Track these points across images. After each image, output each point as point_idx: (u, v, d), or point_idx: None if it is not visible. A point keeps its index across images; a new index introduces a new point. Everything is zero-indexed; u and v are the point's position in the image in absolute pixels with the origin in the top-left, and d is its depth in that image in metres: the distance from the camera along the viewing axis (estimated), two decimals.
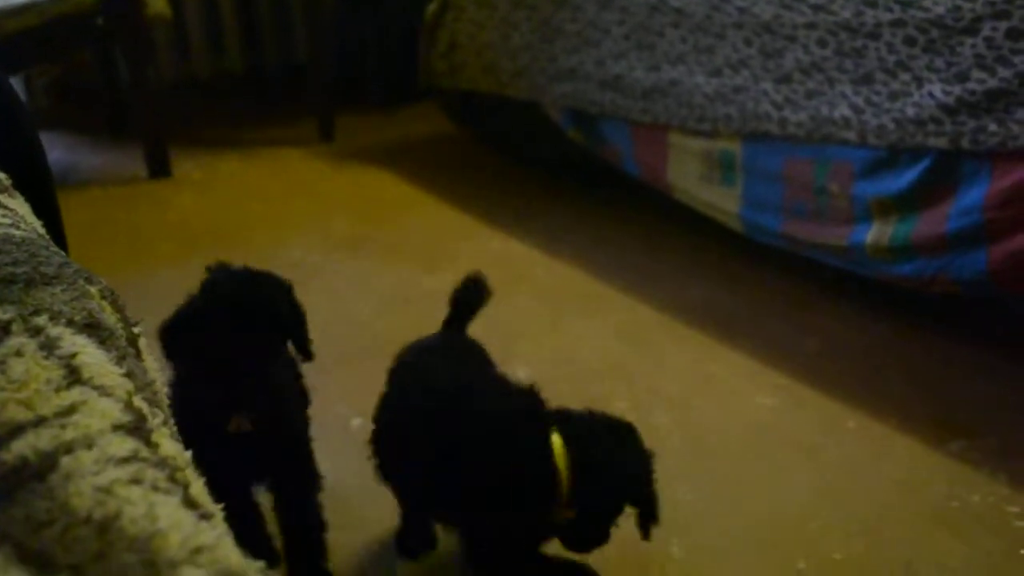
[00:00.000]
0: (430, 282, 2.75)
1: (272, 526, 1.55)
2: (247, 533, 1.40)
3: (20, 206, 1.16)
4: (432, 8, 3.48)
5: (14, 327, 0.76)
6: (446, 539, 1.63)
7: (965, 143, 1.95)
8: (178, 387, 1.43)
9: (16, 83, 3.83)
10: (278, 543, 1.54)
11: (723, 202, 2.54)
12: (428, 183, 3.58)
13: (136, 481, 0.59)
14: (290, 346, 1.49)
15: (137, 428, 0.66)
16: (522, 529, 1.37)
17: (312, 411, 1.67)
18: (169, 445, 0.67)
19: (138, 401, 0.71)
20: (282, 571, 1.53)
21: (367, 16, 4.57)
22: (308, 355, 1.47)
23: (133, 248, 3.04)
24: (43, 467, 0.59)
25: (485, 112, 3.55)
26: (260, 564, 0.55)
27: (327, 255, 2.95)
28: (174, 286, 2.73)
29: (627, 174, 2.94)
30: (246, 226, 3.23)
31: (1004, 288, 2.01)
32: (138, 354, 0.90)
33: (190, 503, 0.60)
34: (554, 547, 1.42)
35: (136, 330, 0.96)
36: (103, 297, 0.92)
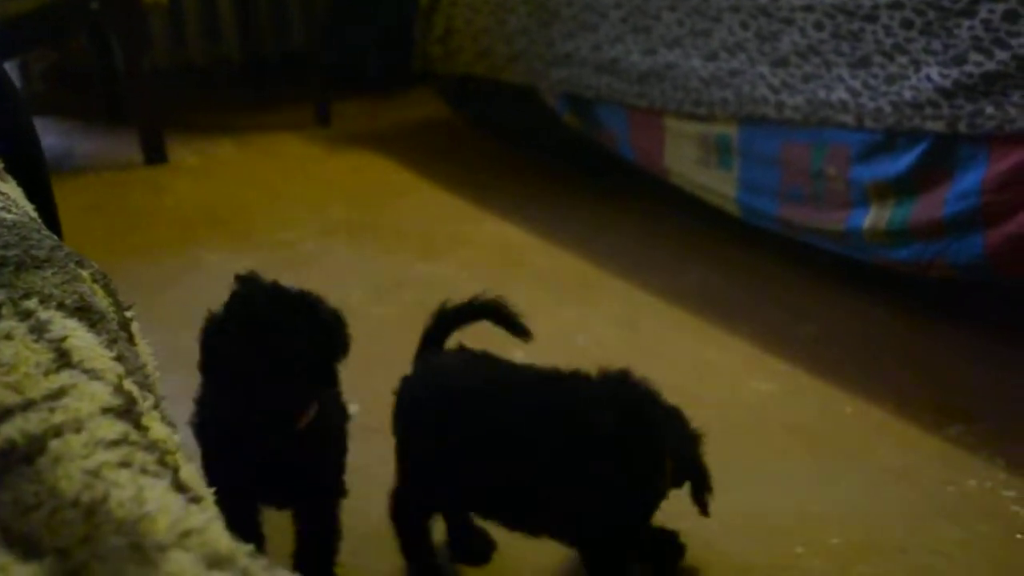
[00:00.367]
0: (426, 268, 2.75)
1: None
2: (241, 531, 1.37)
3: (12, 190, 1.15)
4: None
5: (4, 310, 0.75)
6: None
7: (962, 126, 1.94)
8: (205, 403, 1.40)
9: (12, 69, 3.82)
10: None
11: (720, 186, 2.54)
12: (424, 168, 3.57)
13: (125, 464, 0.58)
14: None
15: (127, 411, 0.65)
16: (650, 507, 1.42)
17: None
18: (159, 428, 0.66)
19: (128, 384, 0.70)
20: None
21: (364, 1, 4.55)
22: (328, 382, 1.38)
23: (129, 233, 3.04)
24: (32, 450, 0.59)
25: (481, 97, 3.53)
26: (250, 547, 0.54)
27: (323, 240, 2.94)
28: (170, 271, 2.76)
29: (623, 159, 2.93)
30: (242, 212, 3.23)
31: (1001, 272, 2.00)
32: (130, 338, 0.90)
33: (180, 486, 0.59)
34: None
35: (129, 314, 0.96)
36: (95, 280, 0.92)
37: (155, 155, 3.69)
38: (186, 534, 0.53)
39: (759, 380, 2.13)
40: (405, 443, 1.49)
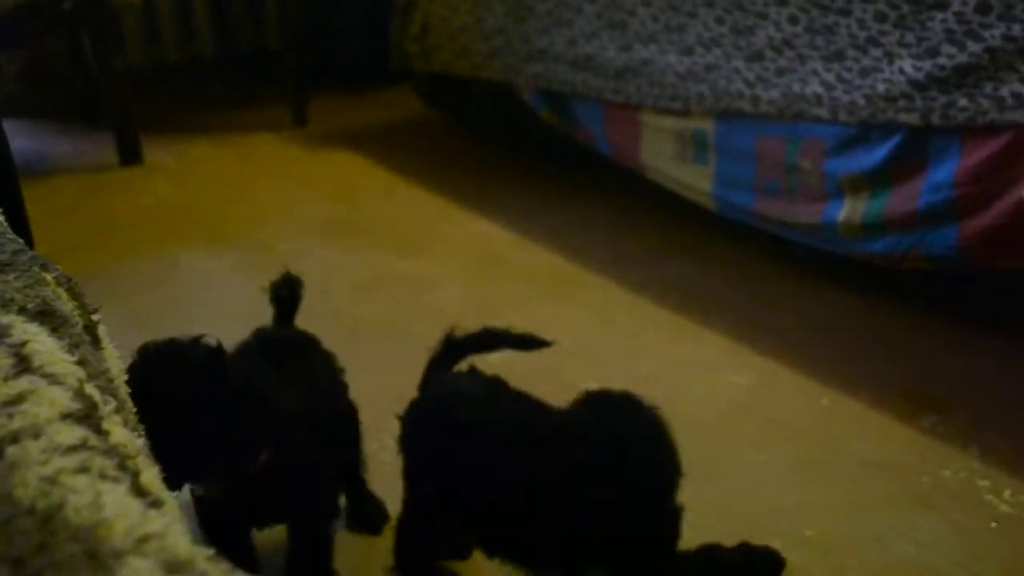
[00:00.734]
0: (405, 266, 2.74)
1: None
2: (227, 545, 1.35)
3: None
4: None
5: None
6: None
7: (935, 119, 1.95)
8: None
9: None
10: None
11: (696, 181, 2.54)
12: (402, 167, 3.56)
13: (83, 470, 0.58)
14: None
15: (87, 416, 0.64)
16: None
17: None
18: (120, 432, 0.66)
19: (90, 389, 0.70)
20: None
21: None
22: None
23: (105, 236, 3.02)
24: None
25: (458, 95, 3.53)
26: (210, 552, 0.54)
27: (301, 240, 2.93)
28: (147, 273, 2.75)
29: (600, 154, 2.93)
30: (219, 212, 3.21)
31: (975, 264, 2.02)
32: (96, 341, 0.89)
33: (139, 491, 0.59)
34: None
35: (95, 317, 0.95)
36: (59, 284, 0.91)
37: (130, 156, 3.67)
38: (144, 539, 0.52)
39: (735, 373, 2.13)
40: (409, 472, 1.45)
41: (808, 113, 2.20)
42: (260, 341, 1.54)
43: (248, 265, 2.75)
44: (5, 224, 1.06)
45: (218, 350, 1.22)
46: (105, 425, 0.65)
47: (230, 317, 2.28)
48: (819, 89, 2.17)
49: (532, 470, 1.30)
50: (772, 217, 2.36)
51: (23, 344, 0.71)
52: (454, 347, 1.54)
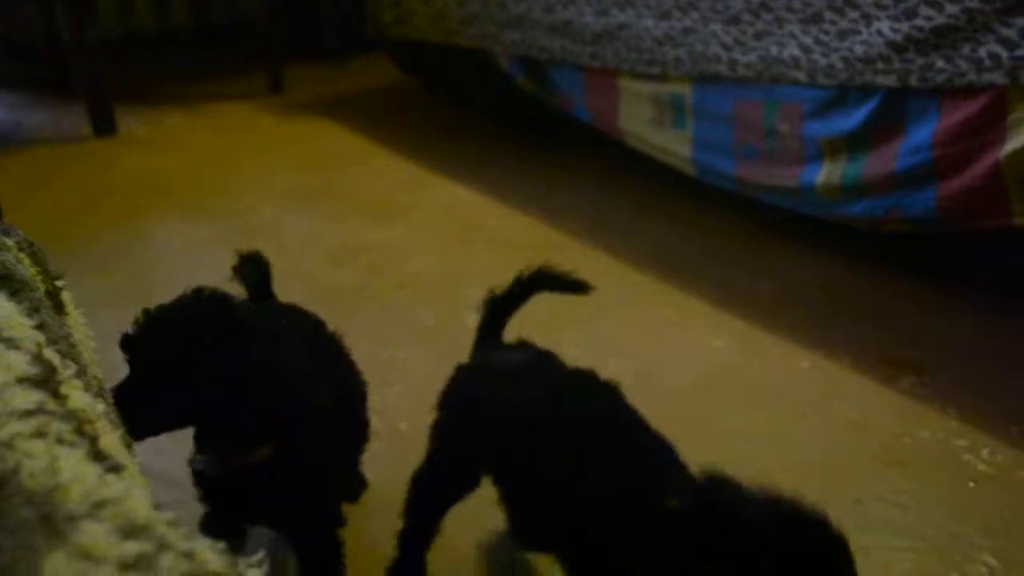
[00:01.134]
0: (381, 233, 2.72)
1: None
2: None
3: None
4: None
5: None
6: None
7: (913, 80, 1.94)
8: None
9: None
10: None
11: (674, 145, 2.52)
12: (378, 134, 3.53)
13: (40, 434, 0.56)
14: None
15: (44, 380, 0.63)
16: None
17: None
18: (79, 397, 0.64)
19: (49, 353, 0.68)
20: None
21: None
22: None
23: (78, 206, 2.98)
24: None
25: (435, 62, 3.50)
26: (170, 516, 0.53)
27: (276, 209, 2.91)
28: (120, 244, 2.71)
29: (578, 121, 2.91)
30: (193, 182, 3.18)
31: (953, 225, 2.01)
32: (59, 307, 0.87)
33: (98, 455, 0.57)
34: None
35: (59, 283, 0.93)
36: (20, 249, 0.89)
37: (104, 127, 3.63)
38: (100, 504, 0.51)
39: (715, 337, 2.12)
40: (442, 431, 1.37)
41: (786, 76, 2.19)
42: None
43: (224, 235, 2.72)
44: None
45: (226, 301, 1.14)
46: (63, 390, 0.63)
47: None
48: (797, 52, 2.15)
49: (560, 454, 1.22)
50: (751, 181, 2.35)
51: None
52: (497, 307, 1.47)
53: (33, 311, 0.73)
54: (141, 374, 1.05)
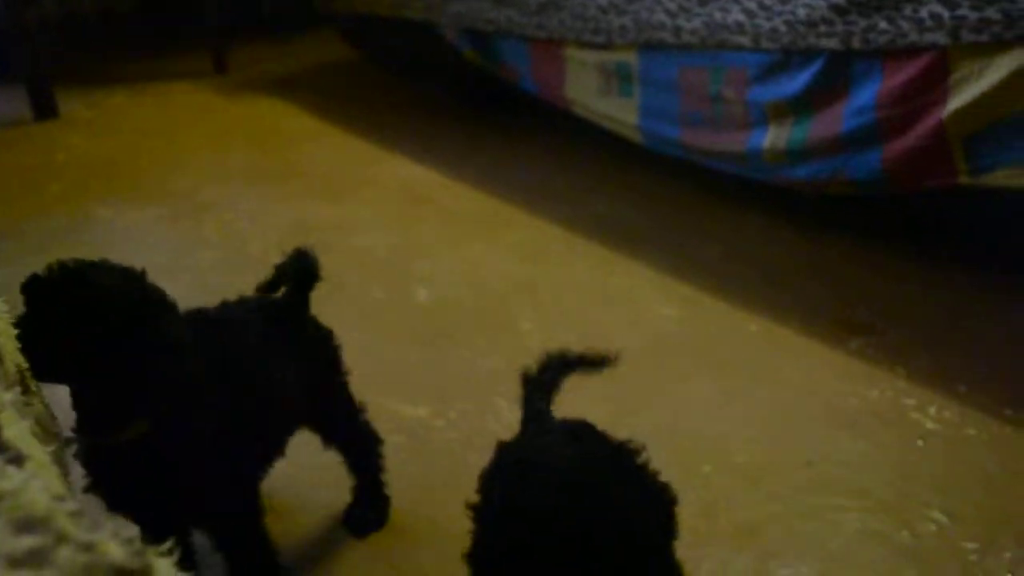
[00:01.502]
0: (332, 211, 2.69)
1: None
2: None
3: None
4: None
5: None
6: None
7: (856, 42, 1.93)
8: None
9: None
10: None
11: (621, 114, 2.51)
12: (326, 112, 3.49)
13: None
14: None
15: None
16: None
17: None
18: None
19: None
20: None
21: None
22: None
23: (19, 192, 2.92)
24: None
25: (383, 36, 3.46)
26: (71, 507, 0.51)
27: (222, 188, 2.86)
28: (62, 228, 2.67)
29: (526, 92, 2.89)
30: (138, 163, 3.13)
31: (899, 186, 2.02)
32: None
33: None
34: None
35: None
36: None
37: (45, 110, 3.56)
38: None
39: (665, 305, 2.12)
40: (483, 514, 1.22)
41: (730, 42, 2.18)
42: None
43: (170, 216, 2.68)
44: None
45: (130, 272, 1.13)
46: None
47: (154, 269, 2.22)
48: (740, 17, 2.14)
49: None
50: (698, 147, 2.34)
51: None
52: (538, 385, 1.34)
53: None
54: (36, 323, 1.02)
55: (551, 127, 3.04)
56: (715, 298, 2.13)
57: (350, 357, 1.51)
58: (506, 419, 1.73)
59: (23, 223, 2.63)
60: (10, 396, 0.65)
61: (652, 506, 1.16)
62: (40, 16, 3.95)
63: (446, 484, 1.59)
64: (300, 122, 3.44)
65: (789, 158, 2.13)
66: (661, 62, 2.36)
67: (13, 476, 0.51)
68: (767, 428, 1.71)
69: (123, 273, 1.11)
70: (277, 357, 1.34)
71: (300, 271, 1.44)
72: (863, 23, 1.92)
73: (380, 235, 2.51)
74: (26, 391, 0.76)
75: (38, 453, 0.59)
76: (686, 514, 1.15)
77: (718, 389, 1.83)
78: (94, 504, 1.18)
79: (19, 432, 0.60)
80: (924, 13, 1.81)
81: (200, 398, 1.17)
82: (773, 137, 2.14)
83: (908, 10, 1.84)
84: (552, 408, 1.30)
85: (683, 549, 1.14)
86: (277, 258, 1.55)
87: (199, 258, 2.39)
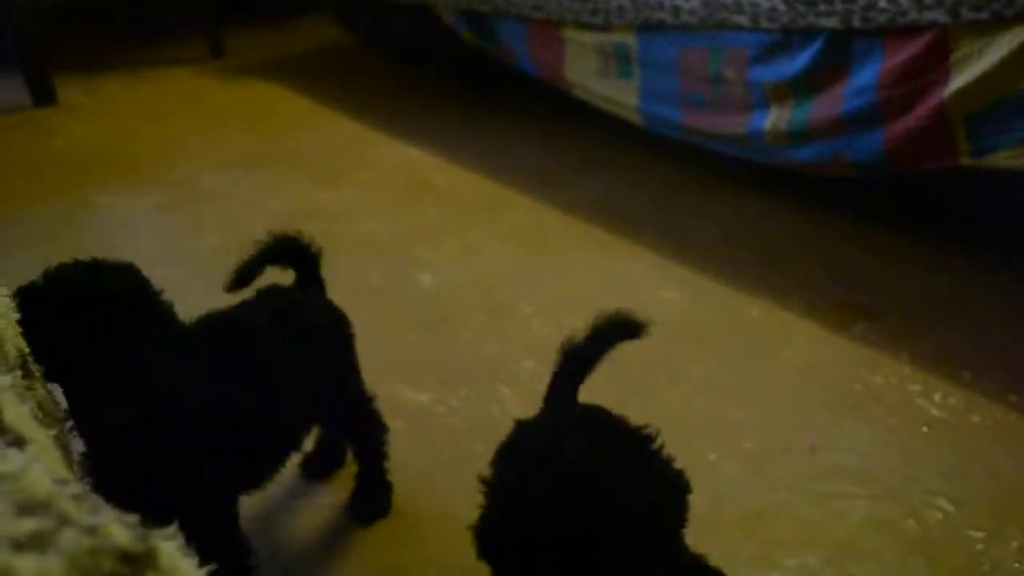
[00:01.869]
0: (330, 196, 2.68)
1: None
2: None
3: None
4: None
5: None
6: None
7: (856, 21, 1.92)
8: None
9: None
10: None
11: (621, 96, 2.50)
12: (323, 96, 3.48)
13: None
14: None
15: None
16: None
17: None
18: None
19: None
20: None
21: None
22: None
23: (19, 179, 2.91)
24: None
25: (378, 19, 3.44)
26: (74, 490, 0.50)
27: (221, 174, 2.85)
28: (62, 215, 2.65)
29: (524, 74, 2.87)
30: (135, 150, 3.11)
31: (901, 166, 2.00)
32: None
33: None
34: None
35: None
36: None
37: (43, 96, 3.54)
38: None
39: (665, 288, 2.11)
40: (493, 490, 1.20)
41: (729, 22, 2.16)
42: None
43: (169, 202, 2.67)
44: None
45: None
46: None
47: (153, 256, 2.22)
48: None
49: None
50: (699, 129, 2.33)
51: None
52: (575, 362, 1.32)
53: None
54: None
55: (549, 109, 3.02)
56: (716, 281, 2.12)
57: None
58: (508, 405, 1.72)
59: (22, 211, 2.61)
60: (10, 379, 0.64)
61: (664, 493, 1.14)
62: (37, 3, 3.93)
63: (448, 469, 1.59)
64: (297, 106, 3.42)
65: (791, 140, 2.12)
66: (660, 43, 2.34)
67: (14, 459, 0.50)
68: (771, 414, 1.71)
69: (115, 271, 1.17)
70: (290, 360, 1.32)
71: (287, 253, 1.49)
72: (863, 1, 1.90)
73: (379, 220, 2.50)
74: (27, 375, 0.75)
75: (39, 436, 0.58)
76: (692, 502, 1.14)
77: (722, 374, 1.82)
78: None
79: (20, 415, 0.59)
80: None
81: (188, 399, 1.16)
82: (774, 118, 2.12)
83: None
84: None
85: (690, 537, 1.14)
86: None
87: (199, 244, 2.38)
